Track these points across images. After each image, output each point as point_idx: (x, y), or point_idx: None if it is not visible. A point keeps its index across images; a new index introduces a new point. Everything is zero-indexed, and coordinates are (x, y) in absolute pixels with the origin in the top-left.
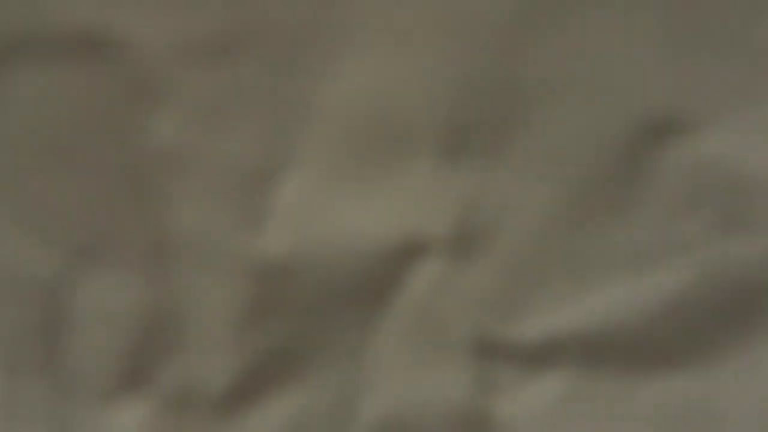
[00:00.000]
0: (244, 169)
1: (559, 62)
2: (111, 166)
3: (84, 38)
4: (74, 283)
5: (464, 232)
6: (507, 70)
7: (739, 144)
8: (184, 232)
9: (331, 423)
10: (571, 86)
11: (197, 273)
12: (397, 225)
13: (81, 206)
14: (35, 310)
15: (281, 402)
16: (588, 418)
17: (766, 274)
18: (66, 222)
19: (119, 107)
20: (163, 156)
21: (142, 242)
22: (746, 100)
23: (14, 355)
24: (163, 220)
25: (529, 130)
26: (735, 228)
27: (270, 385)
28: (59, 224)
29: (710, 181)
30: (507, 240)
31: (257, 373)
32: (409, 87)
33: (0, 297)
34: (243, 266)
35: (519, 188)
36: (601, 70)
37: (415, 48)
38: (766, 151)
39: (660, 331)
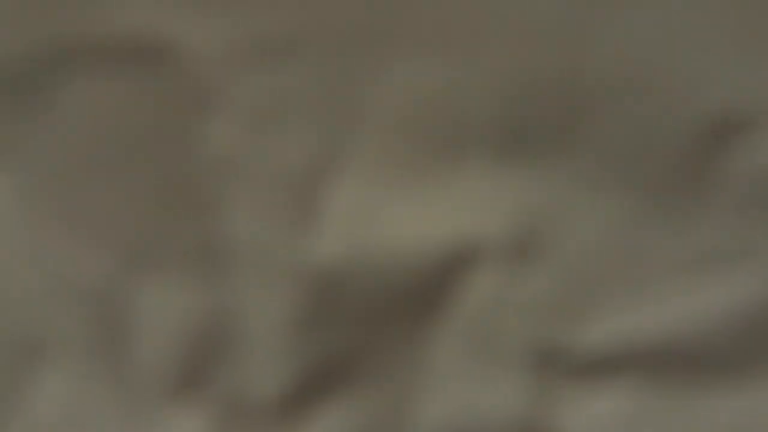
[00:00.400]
0: (296, 175)
1: (621, 59)
2: (165, 173)
3: (137, 45)
4: (131, 290)
5: (522, 236)
6: (566, 69)
7: None
8: (237, 238)
9: (385, 431)
10: (633, 84)
11: (251, 279)
12: (452, 230)
13: (136, 213)
14: (95, 316)
15: (335, 410)
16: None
17: None
18: (122, 229)
19: (173, 113)
20: (216, 162)
21: (197, 248)
22: None
23: (79, 359)
24: (217, 226)
25: (590, 130)
26: None
27: (323, 392)
28: (115, 231)
29: None
30: (566, 245)
31: (311, 380)
32: (464, 87)
33: (61, 304)
34: (296, 272)
35: (579, 190)
36: (667, 67)
37: (469, 48)
38: None
39: (729, 339)
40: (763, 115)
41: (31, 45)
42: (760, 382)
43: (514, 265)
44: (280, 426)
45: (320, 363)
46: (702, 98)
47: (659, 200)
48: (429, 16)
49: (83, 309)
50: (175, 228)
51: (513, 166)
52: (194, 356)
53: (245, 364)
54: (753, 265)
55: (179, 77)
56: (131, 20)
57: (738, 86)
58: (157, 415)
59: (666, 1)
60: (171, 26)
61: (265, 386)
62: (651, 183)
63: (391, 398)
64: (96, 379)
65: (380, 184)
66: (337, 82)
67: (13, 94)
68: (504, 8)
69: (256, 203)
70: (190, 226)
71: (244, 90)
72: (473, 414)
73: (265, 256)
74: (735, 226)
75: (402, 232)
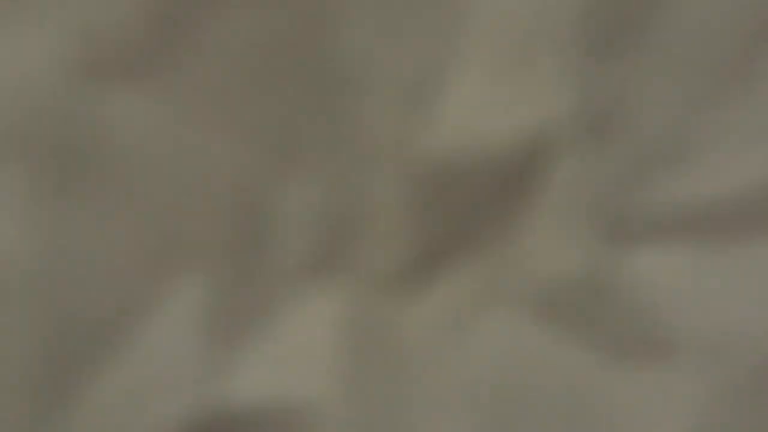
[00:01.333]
0: (411, 80)
1: None
2: (303, 82)
3: None
4: (271, 182)
5: (596, 119)
6: None
7: None
8: (364, 135)
9: (493, 292)
10: None
11: (374, 171)
12: (538, 119)
13: (279, 120)
14: (239, 207)
15: (450, 276)
16: (713, 285)
17: None
18: (266, 134)
19: (307, 31)
20: (345, 69)
21: (330, 145)
22: None
23: (223, 251)
24: (346, 126)
25: (656, 23)
26: None
27: (440, 262)
28: (260, 136)
29: None
30: (635, 125)
31: (428, 252)
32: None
33: (215, 200)
34: (413, 162)
35: (645, 77)
36: None
37: None
38: None
39: None
40: None
41: None
42: None
43: (590, 145)
44: (405, 292)
45: (435, 238)
46: None
47: (717, 84)
48: None
49: (228, 201)
50: (310, 129)
51: (591, 59)
52: (328, 238)
53: (372, 242)
54: None
55: (312, 2)
56: None
57: None
58: (297, 293)
59: None
60: None
61: (390, 260)
62: (710, 68)
63: (496, 263)
64: (238, 267)
65: (478, 87)
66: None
67: (173, 21)
68: None
69: (379, 104)
70: (324, 125)
71: (369, 6)
72: (559, 269)
73: (387, 149)
74: None
75: (497, 126)
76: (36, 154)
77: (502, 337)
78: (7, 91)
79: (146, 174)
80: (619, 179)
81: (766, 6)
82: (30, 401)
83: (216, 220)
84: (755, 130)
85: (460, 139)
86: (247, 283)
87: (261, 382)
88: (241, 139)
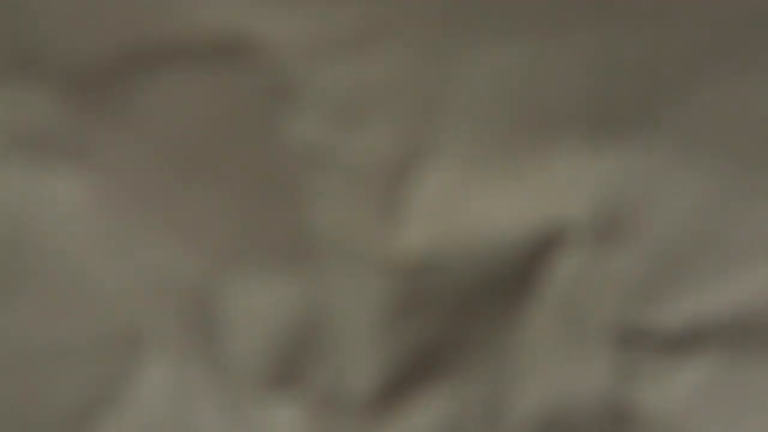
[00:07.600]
0: (383, 165)
1: (707, 37)
2: (252, 168)
3: (218, 42)
4: (223, 285)
5: (607, 217)
6: (651, 48)
7: None
8: (326, 231)
9: (482, 419)
10: (720, 63)
11: (341, 272)
12: (538, 214)
13: (225, 209)
14: (188, 312)
15: (430, 399)
16: (737, 407)
17: None
18: (211, 227)
19: (257, 109)
20: (303, 155)
21: (286, 242)
22: None
23: (175, 353)
24: (305, 219)
25: (675, 110)
26: None
27: (418, 382)
28: (205, 229)
29: None
30: (651, 225)
31: (404, 370)
32: (547, 71)
33: (155, 301)
34: (385, 263)
35: (664, 171)
36: (754, 44)
37: (551, 30)
38: None
39: None
40: None
41: (112, 46)
42: None
43: (599, 246)
44: (376, 417)
45: (413, 353)
46: None
47: (743, 181)
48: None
49: (177, 305)
50: (264, 223)
51: (598, 147)
52: (288, 350)
53: (338, 356)
54: None
55: (262, 72)
56: (211, 18)
57: None
58: (253, 409)
59: None
60: (252, 22)
61: (360, 378)
62: (737, 163)
63: (485, 385)
64: (192, 374)
65: (466, 171)
66: (420, 72)
67: (97, 96)
68: None
69: (344, 195)
70: (279, 220)
71: (328, 82)
72: (564, 394)
73: (355, 248)
74: None
75: (488, 219)
76: None
77: None
78: None
79: (86, 266)
80: (632, 286)
81: None
82: None
83: (167, 316)
84: None
85: (440, 236)
86: (199, 394)
87: None
88: (184, 229)
